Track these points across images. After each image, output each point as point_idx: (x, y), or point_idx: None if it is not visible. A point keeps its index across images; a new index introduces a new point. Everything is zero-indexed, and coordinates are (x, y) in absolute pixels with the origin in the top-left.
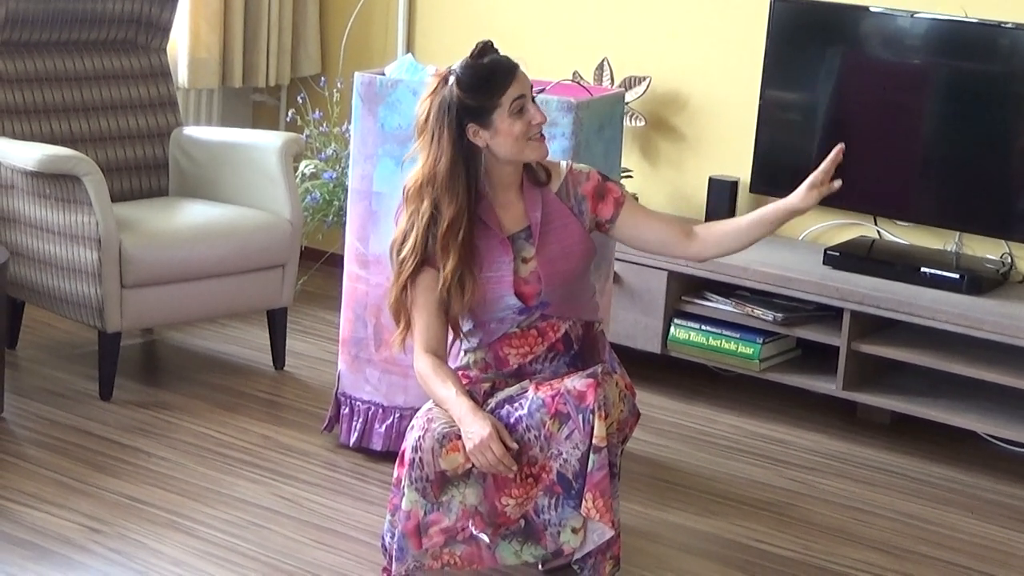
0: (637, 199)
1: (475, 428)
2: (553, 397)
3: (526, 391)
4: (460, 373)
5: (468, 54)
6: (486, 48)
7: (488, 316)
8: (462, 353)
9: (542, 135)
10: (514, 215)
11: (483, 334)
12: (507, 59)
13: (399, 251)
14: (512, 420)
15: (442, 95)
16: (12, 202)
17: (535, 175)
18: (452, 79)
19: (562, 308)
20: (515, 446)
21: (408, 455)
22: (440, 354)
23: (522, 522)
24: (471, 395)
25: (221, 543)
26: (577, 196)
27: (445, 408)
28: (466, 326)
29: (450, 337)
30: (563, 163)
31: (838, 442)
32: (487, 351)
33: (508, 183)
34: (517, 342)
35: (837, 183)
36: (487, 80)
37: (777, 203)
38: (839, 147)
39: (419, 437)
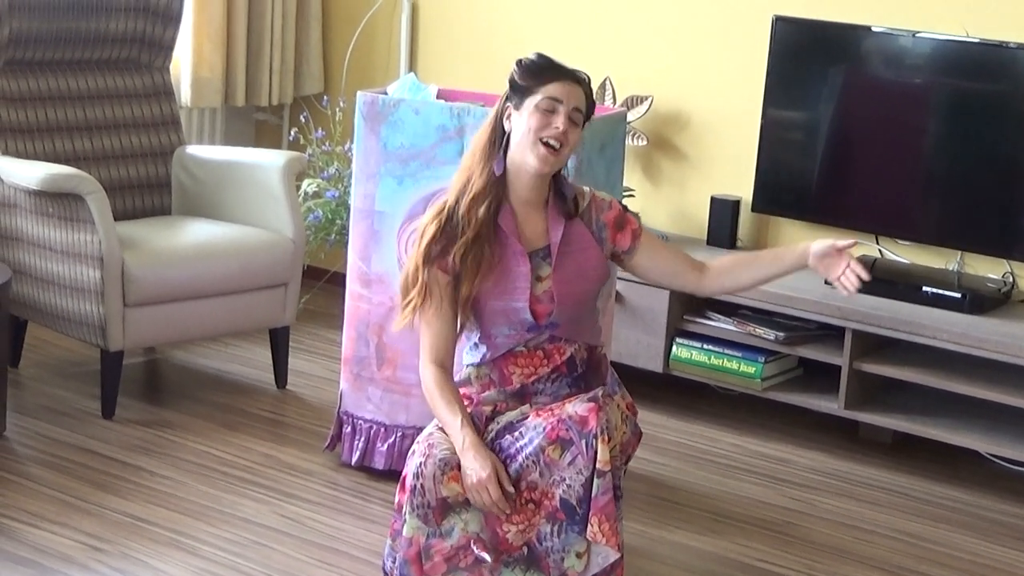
0: (639, 218)
1: (475, 466)
2: (555, 424)
3: (527, 417)
4: (461, 391)
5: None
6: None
7: (496, 329)
8: (464, 367)
9: (556, 150)
10: (535, 232)
11: (489, 349)
12: (576, 70)
13: (433, 215)
14: (513, 450)
15: (511, 74)
16: (15, 221)
17: (564, 203)
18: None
19: (570, 330)
20: (511, 489)
21: (409, 482)
22: (447, 366)
23: (524, 549)
24: (475, 425)
25: (223, 562)
26: (599, 223)
27: (448, 433)
28: (473, 338)
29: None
30: (587, 189)
31: (840, 461)
32: (491, 367)
33: (530, 198)
34: (523, 361)
35: (863, 273)
36: (541, 68)
37: (800, 245)
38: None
39: (420, 463)
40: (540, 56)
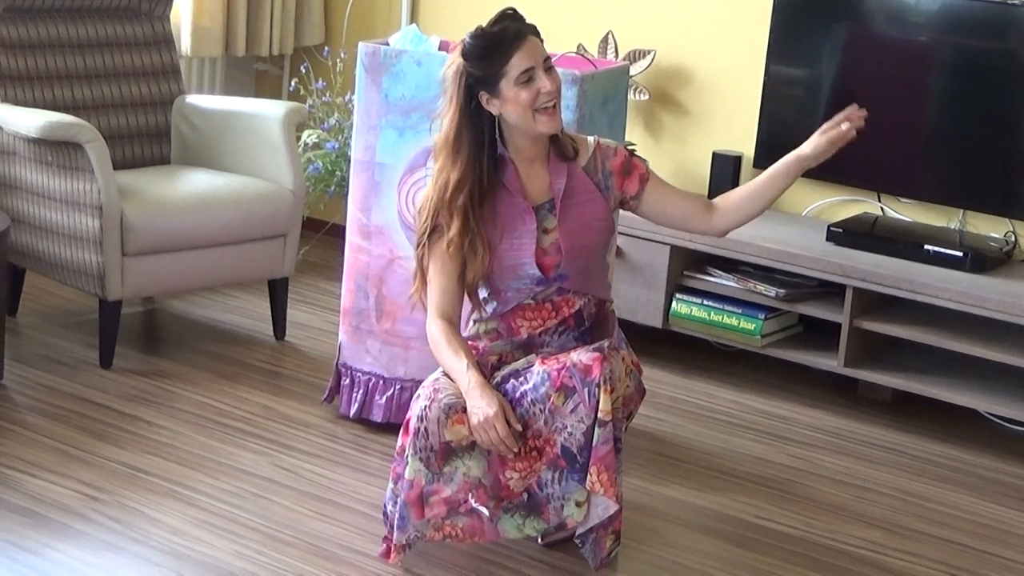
0: (647, 163)
1: (481, 404)
2: (559, 371)
3: (532, 365)
4: (469, 344)
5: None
6: (503, 15)
7: (505, 285)
8: (471, 323)
9: (554, 107)
10: (540, 186)
11: (498, 303)
12: (517, 27)
13: (422, 204)
14: (518, 394)
15: (458, 60)
16: (14, 169)
17: (563, 149)
18: (459, 48)
19: (579, 283)
20: (519, 427)
21: (413, 424)
22: (454, 320)
23: (525, 495)
24: (480, 369)
25: (220, 513)
26: (605, 171)
27: (454, 379)
28: (482, 294)
29: (468, 307)
30: (591, 139)
31: (839, 419)
32: (499, 321)
33: (531, 155)
34: (531, 314)
35: (852, 133)
36: (490, 50)
37: (788, 155)
38: (853, 107)
39: (425, 407)
40: (479, 36)
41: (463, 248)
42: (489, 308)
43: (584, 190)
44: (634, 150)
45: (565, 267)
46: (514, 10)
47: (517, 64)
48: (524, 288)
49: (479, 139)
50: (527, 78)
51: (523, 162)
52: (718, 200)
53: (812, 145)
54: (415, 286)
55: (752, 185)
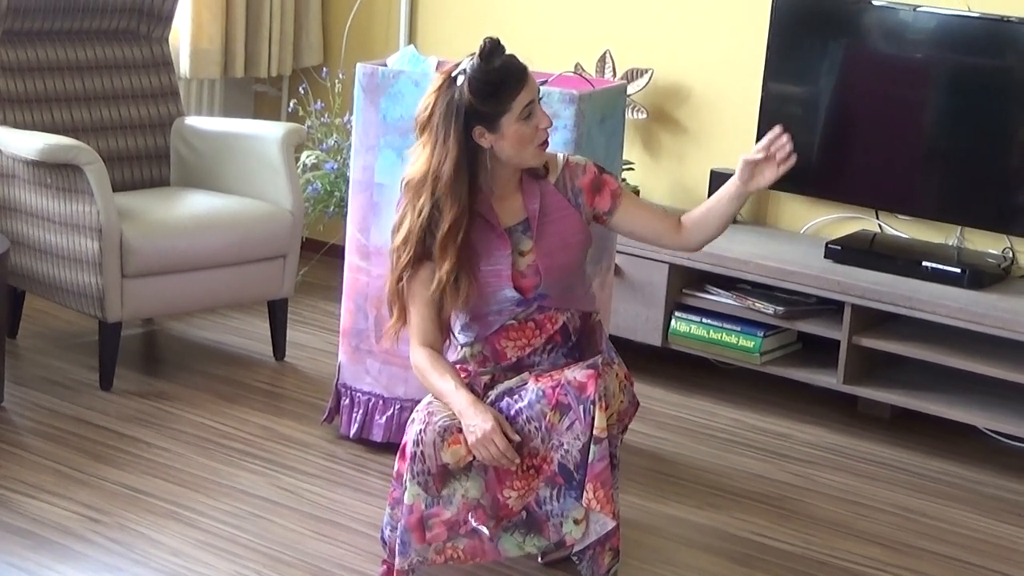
0: (639, 192)
1: (477, 421)
2: (554, 388)
3: (526, 383)
4: (458, 367)
5: (477, 53)
6: (495, 49)
7: (486, 309)
8: (458, 348)
9: (545, 141)
10: (512, 208)
11: (480, 327)
12: (517, 63)
13: (393, 240)
14: (512, 412)
15: (450, 95)
16: (13, 191)
17: (534, 169)
18: (462, 81)
19: (560, 300)
20: (517, 438)
21: (409, 449)
22: (437, 347)
23: (524, 514)
24: (471, 388)
25: (221, 534)
26: (574, 189)
27: (445, 402)
28: (463, 319)
29: (458, 323)
30: (560, 155)
31: (838, 436)
32: (484, 344)
33: (507, 180)
34: (515, 335)
35: (791, 160)
36: (499, 86)
37: (730, 182)
38: (776, 129)
39: (420, 431)
40: (481, 71)
41: (452, 284)
42: (471, 333)
43: (558, 207)
44: (603, 167)
45: (545, 287)
46: (498, 40)
47: (522, 101)
48: (505, 310)
49: (474, 175)
50: (527, 113)
51: (497, 187)
52: (684, 218)
53: (737, 171)
54: (393, 320)
55: (706, 205)
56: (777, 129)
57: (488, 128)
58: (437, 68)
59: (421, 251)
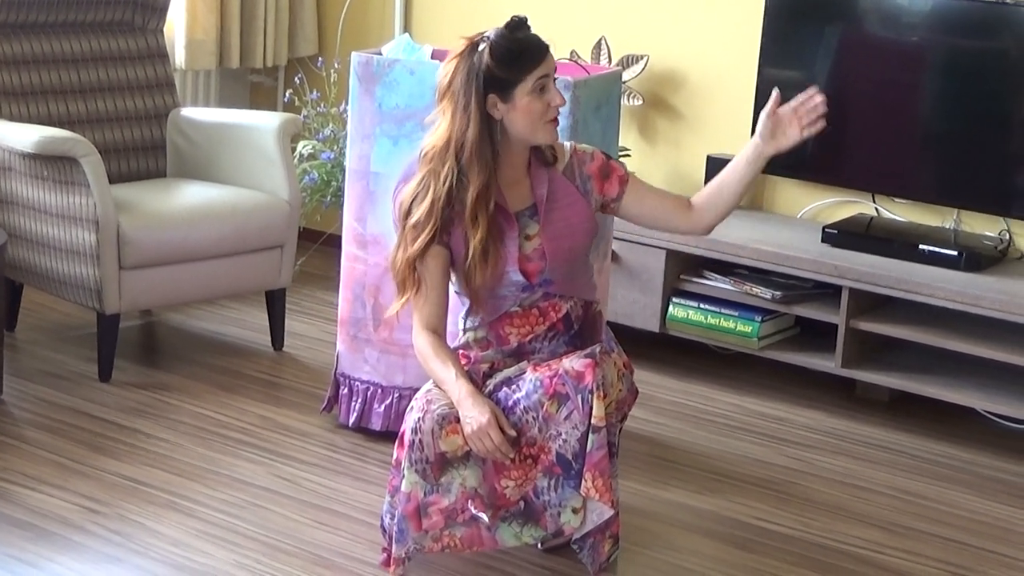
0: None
1: (474, 413)
2: (551, 378)
3: (524, 372)
4: (459, 353)
5: (504, 25)
6: (521, 23)
7: (490, 294)
8: (461, 332)
9: (555, 119)
10: (520, 193)
11: (484, 312)
12: (540, 39)
13: (410, 213)
14: (510, 402)
15: (471, 61)
16: (10, 184)
17: (542, 155)
18: (484, 47)
19: (565, 286)
20: (513, 433)
21: (408, 437)
22: (440, 332)
23: (522, 504)
24: (471, 377)
25: (220, 523)
26: (583, 176)
27: (444, 389)
28: (467, 303)
29: (463, 307)
30: (567, 144)
31: (837, 420)
32: (488, 329)
33: (516, 162)
34: (518, 321)
35: (819, 124)
36: (520, 54)
37: (745, 149)
38: (811, 89)
39: (419, 419)
40: (510, 39)
41: (481, 255)
42: (476, 318)
43: (566, 193)
44: (610, 155)
45: (550, 271)
46: (526, 18)
47: (537, 74)
48: (510, 295)
49: (495, 142)
50: (541, 87)
51: (505, 168)
52: (695, 199)
53: (759, 127)
54: (409, 292)
55: (718, 178)
56: (811, 89)
57: (501, 97)
58: (432, 57)
59: (441, 225)
